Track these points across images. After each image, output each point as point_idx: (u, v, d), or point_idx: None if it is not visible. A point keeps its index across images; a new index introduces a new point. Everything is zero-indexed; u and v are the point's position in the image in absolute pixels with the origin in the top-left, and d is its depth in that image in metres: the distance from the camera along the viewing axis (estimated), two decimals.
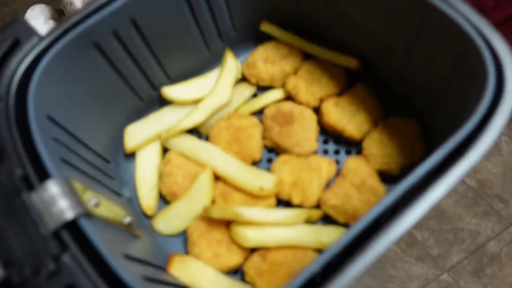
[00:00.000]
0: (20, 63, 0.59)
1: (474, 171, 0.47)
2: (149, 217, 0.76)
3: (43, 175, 0.50)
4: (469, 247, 1.24)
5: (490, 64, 0.50)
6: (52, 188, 0.47)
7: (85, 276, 0.43)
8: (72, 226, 0.46)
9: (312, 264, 0.42)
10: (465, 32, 0.52)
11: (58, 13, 1.38)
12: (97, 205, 0.51)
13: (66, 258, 0.44)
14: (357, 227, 0.44)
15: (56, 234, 0.45)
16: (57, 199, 0.46)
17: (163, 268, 0.62)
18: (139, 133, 0.79)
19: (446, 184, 0.45)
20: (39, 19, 1.33)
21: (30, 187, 0.48)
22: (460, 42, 0.54)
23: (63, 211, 0.46)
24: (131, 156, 0.82)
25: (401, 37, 0.65)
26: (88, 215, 0.48)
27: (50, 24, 1.32)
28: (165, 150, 0.82)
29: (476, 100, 0.51)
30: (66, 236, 0.45)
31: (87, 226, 0.46)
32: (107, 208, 0.55)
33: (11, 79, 0.57)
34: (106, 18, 0.64)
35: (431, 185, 0.45)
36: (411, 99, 0.74)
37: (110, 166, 0.76)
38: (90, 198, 0.51)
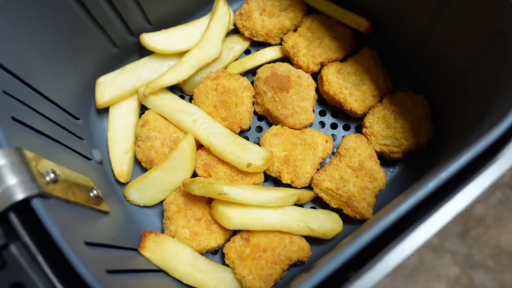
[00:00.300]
0: None
1: None
2: (122, 185, 0.67)
3: None
4: None
5: None
6: None
7: (37, 272, 0.35)
8: (23, 208, 0.38)
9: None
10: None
11: None
12: (55, 179, 0.42)
13: (13, 249, 0.36)
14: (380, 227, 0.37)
15: (2, 218, 0.36)
16: (3, 175, 0.37)
17: (134, 249, 0.55)
18: (113, 86, 0.69)
19: (480, 187, 0.38)
20: None
21: None
22: (499, 13, 0.46)
23: (12, 190, 0.37)
24: (103, 112, 0.71)
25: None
26: (43, 195, 0.39)
27: None
28: (142, 107, 0.72)
29: (510, 89, 0.43)
30: (14, 220, 0.37)
31: (41, 209, 0.38)
32: (69, 180, 0.46)
33: None
34: None
35: (464, 185, 0.38)
36: (425, 74, 0.65)
37: (79, 124, 0.66)
38: (48, 171, 0.42)
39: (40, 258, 0.36)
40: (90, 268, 0.37)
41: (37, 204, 0.38)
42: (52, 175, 0.42)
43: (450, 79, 0.60)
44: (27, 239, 0.37)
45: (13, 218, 0.37)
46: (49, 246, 0.37)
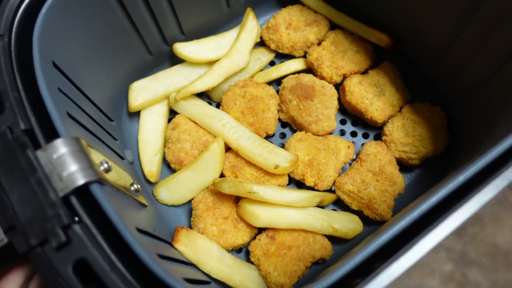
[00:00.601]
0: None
1: None
2: (151, 184, 0.71)
3: (50, 131, 0.44)
4: None
5: None
6: (61, 148, 0.41)
7: (98, 250, 0.39)
8: (82, 192, 0.41)
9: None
10: None
11: None
12: (108, 169, 0.46)
13: (77, 229, 0.39)
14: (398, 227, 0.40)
15: (65, 200, 0.40)
16: (66, 161, 0.41)
17: (168, 242, 0.58)
18: (145, 91, 0.73)
19: (498, 186, 0.41)
20: None
21: (36, 144, 0.42)
22: None
23: (74, 176, 0.40)
24: (134, 115, 0.75)
25: (450, 17, 0.60)
26: (100, 181, 0.42)
27: None
28: (171, 111, 0.76)
29: None
30: (76, 203, 0.40)
31: (99, 194, 0.41)
32: (117, 173, 0.50)
33: (14, 14, 0.50)
34: None
35: (482, 185, 0.41)
36: (442, 87, 0.70)
37: (113, 125, 0.69)
38: (101, 161, 0.46)
39: (99, 238, 0.39)
40: (145, 250, 0.40)
41: (95, 189, 0.41)
42: (105, 165, 0.46)
43: (466, 92, 0.64)
44: (87, 220, 0.40)
45: (74, 201, 0.40)
46: (107, 227, 0.40)
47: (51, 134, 0.44)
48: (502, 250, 1.12)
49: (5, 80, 0.45)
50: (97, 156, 0.47)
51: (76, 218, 0.40)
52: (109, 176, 0.46)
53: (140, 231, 0.46)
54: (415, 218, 0.40)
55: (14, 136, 0.41)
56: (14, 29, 0.49)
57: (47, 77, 0.47)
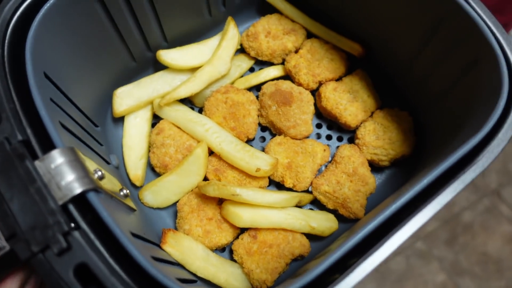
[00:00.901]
0: (16, 10, 0.53)
1: None
2: (136, 188, 0.73)
3: (46, 142, 0.46)
4: (443, 215, 1.28)
5: (505, 74, 0.51)
6: (58, 158, 0.44)
7: (97, 254, 0.41)
8: (79, 199, 0.44)
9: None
10: (486, 37, 0.53)
11: None
12: (102, 176, 0.49)
13: (77, 235, 0.41)
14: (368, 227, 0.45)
15: (64, 208, 0.42)
16: (64, 171, 0.43)
17: (156, 244, 0.61)
18: (129, 97, 0.75)
19: (456, 189, 0.47)
20: None
21: (33, 154, 0.44)
22: (476, 47, 0.56)
23: (72, 185, 0.43)
24: (118, 120, 0.77)
25: (416, 32, 0.66)
26: (96, 189, 0.45)
27: None
28: (155, 116, 0.78)
29: (484, 109, 0.53)
30: (74, 211, 0.43)
31: (96, 201, 0.44)
32: (108, 180, 0.52)
33: (6, 26, 0.51)
34: None
35: (442, 188, 0.47)
36: (409, 94, 0.75)
37: (98, 131, 0.71)
38: (95, 169, 0.48)
39: (97, 243, 0.42)
40: (141, 253, 0.43)
41: (92, 197, 0.44)
42: (99, 173, 0.48)
43: (429, 100, 0.70)
44: (85, 227, 0.43)
45: (72, 208, 0.43)
46: (104, 233, 0.43)
47: (47, 144, 0.46)
48: (493, 259, 1.14)
49: (0, 91, 0.47)
50: (90, 164, 0.50)
51: (74, 225, 0.42)
52: (103, 183, 0.49)
53: (134, 235, 0.49)
54: (385, 217, 0.45)
55: (12, 147, 0.43)
56: (6, 41, 0.50)
57: (40, 88, 0.49)
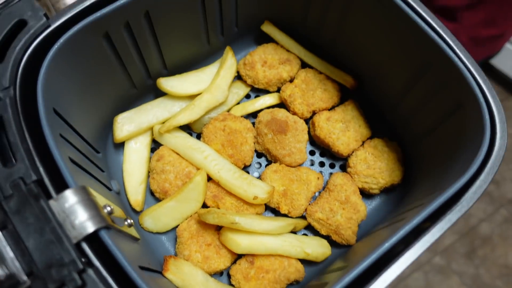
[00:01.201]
0: (27, 49, 0.55)
1: None
2: (136, 213, 0.75)
3: (58, 180, 0.48)
4: (461, 229, 1.24)
5: (487, 119, 0.56)
6: (71, 197, 0.46)
7: None
8: (92, 237, 0.46)
9: None
10: (470, 84, 0.57)
11: None
12: (111, 212, 0.51)
13: (91, 272, 0.44)
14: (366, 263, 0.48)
15: (77, 246, 0.44)
16: (77, 210, 0.46)
17: (158, 271, 0.63)
18: (130, 123, 0.77)
19: (442, 228, 0.51)
20: None
21: (47, 193, 0.47)
22: (460, 93, 0.60)
23: (85, 224, 0.45)
24: (119, 146, 0.79)
25: (404, 72, 0.70)
26: (108, 227, 0.47)
27: None
28: (154, 142, 0.81)
29: (467, 150, 0.57)
30: (88, 249, 0.45)
31: (107, 239, 0.46)
32: (115, 211, 0.55)
33: (18, 66, 0.53)
34: (122, 8, 0.61)
35: (430, 228, 0.50)
36: (398, 126, 0.80)
37: (99, 157, 0.73)
38: (105, 205, 0.50)
39: (110, 280, 0.44)
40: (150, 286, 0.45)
41: (104, 235, 0.46)
42: (108, 208, 0.51)
43: (417, 135, 0.74)
44: (98, 264, 0.45)
45: (86, 247, 0.45)
46: (115, 269, 0.45)
47: (59, 182, 0.48)
48: None
49: (14, 131, 0.49)
50: (100, 200, 0.52)
51: (87, 262, 0.44)
52: (112, 219, 0.51)
53: (142, 268, 0.51)
54: (378, 255, 0.48)
55: (28, 188, 0.45)
56: (18, 80, 0.52)
57: (50, 126, 0.51)
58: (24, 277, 0.42)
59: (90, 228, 0.45)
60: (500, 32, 1.15)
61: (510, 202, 1.27)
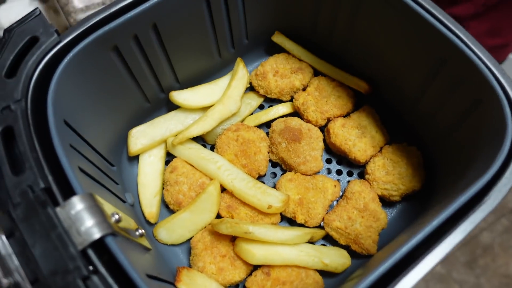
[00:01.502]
0: (39, 63, 0.56)
1: None
2: (150, 225, 0.75)
3: (66, 188, 0.48)
4: None
5: (509, 114, 0.53)
6: (78, 204, 0.46)
7: None
8: (97, 244, 0.45)
9: None
10: (487, 79, 0.55)
11: None
12: (119, 220, 0.50)
13: (95, 279, 0.43)
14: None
15: (83, 253, 0.44)
16: (83, 217, 0.45)
17: (171, 282, 0.62)
18: (143, 137, 0.78)
19: (465, 230, 0.47)
20: (24, 0, 1.24)
21: (54, 201, 0.47)
22: (478, 88, 0.57)
23: (91, 230, 0.45)
24: (133, 159, 0.80)
25: (420, 71, 0.68)
26: (114, 233, 0.47)
27: (36, 4, 1.24)
28: (168, 154, 0.81)
29: (489, 147, 0.54)
30: (93, 255, 0.44)
31: (113, 246, 0.45)
32: (125, 221, 0.54)
33: (30, 80, 0.55)
34: (129, 22, 0.62)
35: (451, 230, 0.47)
36: (417, 129, 0.77)
37: (114, 170, 0.74)
38: (113, 213, 0.50)
39: (114, 286, 0.44)
40: None
41: (110, 241, 0.46)
42: (116, 216, 0.50)
43: (438, 135, 0.71)
44: (104, 271, 0.44)
45: (91, 253, 0.45)
46: (121, 276, 0.45)
47: (67, 190, 0.48)
48: None
49: (24, 142, 0.50)
50: (108, 208, 0.52)
51: (93, 269, 0.44)
52: (120, 226, 0.51)
53: (149, 276, 0.50)
54: (396, 260, 0.45)
55: (35, 195, 0.46)
56: (29, 94, 0.54)
57: (60, 136, 0.52)
58: (28, 286, 0.42)
59: (96, 234, 0.45)
60: (505, 42, 1.14)
61: (511, 212, 1.23)
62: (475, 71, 0.56)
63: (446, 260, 1.14)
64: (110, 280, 0.44)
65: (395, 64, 0.73)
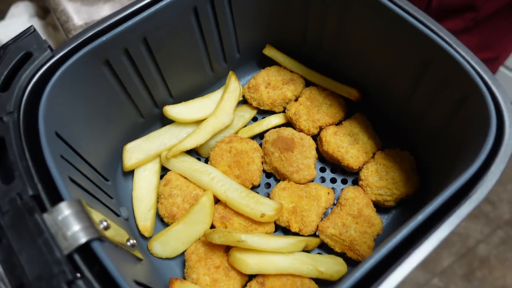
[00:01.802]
0: (32, 77, 0.58)
1: None
2: (145, 239, 0.75)
3: (55, 195, 0.49)
4: (459, 250, 1.26)
5: (492, 109, 0.53)
6: (65, 210, 0.46)
7: None
8: (84, 249, 0.46)
9: None
10: (470, 76, 0.56)
11: (43, 11, 1.32)
12: (107, 227, 0.51)
13: (81, 284, 0.43)
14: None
15: (69, 257, 0.44)
16: (70, 222, 0.46)
17: None
18: (138, 151, 0.79)
19: (452, 224, 0.47)
20: (23, 17, 1.28)
21: (42, 208, 0.47)
22: (463, 86, 0.58)
23: (77, 235, 0.45)
24: (128, 174, 0.81)
25: (406, 74, 0.69)
26: (101, 239, 0.47)
27: (35, 21, 1.28)
28: (163, 168, 0.81)
29: (476, 143, 0.54)
30: (79, 260, 0.44)
31: (100, 250, 0.46)
32: (115, 230, 0.54)
33: (23, 93, 0.56)
34: (119, 36, 0.64)
35: (437, 225, 0.47)
36: (409, 133, 0.77)
37: (109, 185, 0.74)
38: (101, 220, 0.50)
39: None
40: None
41: (96, 246, 0.46)
42: (105, 223, 0.51)
43: (428, 136, 0.71)
44: (89, 276, 0.44)
45: (78, 258, 0.45)
46: (107, 281, 0.44)
47: (56, 197, 0.49)
48: None
49: (14, 152, 0.51)
50: (97, 215, 0.52)
51: (79, 274, 0.44)
52: (108, 233, 0.51)
53: (138, 283, 0.50)
54: (381, 256, 0.45)
55: (23, 202, 0.46)
56: (22, 106, 0.55)
57: (51, 147, 0.53)
58: None
59: (82, 239, 0.45)
60: (494, 56, 1.15)
61: (506, 224, 1.24)
62: (458, 69, 0.56)
63: (443, 273, 1.14)
64: (96, 285, 0.44)
65: (383, 69, 0.74)
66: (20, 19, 1.27)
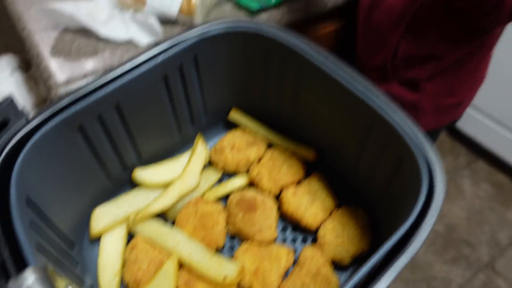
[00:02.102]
0: (6, 145, 0.62)
1: (440, 215, 0.52)
2: None
3: (21, 262, 0.51)
4: None
5: (424, 169, 0.60)
6: (29, 277, 0.48)
7: None
8: None
9: None
10: (403, 140, 0.64)
11: (26, 64, 1.37)
12: None
13: None
14: None
15: None
16: None
17: None
18: (106, 216, 0.81)
19: (390, 276, 0.52)
20: (5, 71, 1.30)
21: (7, 274, 0.49)
22: (398, 148, 0.66)
23: None
24: (95, 239, 0.82)
25: (353, 137, 0.77)
26: None
27: (17, 76, 1.29)
28: (131, 233, 0.83)
29: (411, 200, 0.61)
30: None
31: None
32: None
33: None
34: (94, 103, 0.69)
35: (377, 278, 0.52)
36: (361, 191, 0.83)
37: (75, 250, 0.76)
38: (67, 286, 0.52)
39: None
40: None
41: None
42: None
43: (377, 196, 0.78)
44: None
45: None
46: None
47: (22, 264, 0.51)
48: None
49: None
50: (61, 281, 0.54)
51: None
52: None
53: None
54: None
55: None
56: None
57: (21, 214, 0.56)
58: None
59: None
60: (459, 100, 1.24)
61: (486, 266, 1.28)
62: (394, 134, 0.65)
63: None
64: None
65: (334, 133, 0.82)
66: (2, 74, 1.28)
